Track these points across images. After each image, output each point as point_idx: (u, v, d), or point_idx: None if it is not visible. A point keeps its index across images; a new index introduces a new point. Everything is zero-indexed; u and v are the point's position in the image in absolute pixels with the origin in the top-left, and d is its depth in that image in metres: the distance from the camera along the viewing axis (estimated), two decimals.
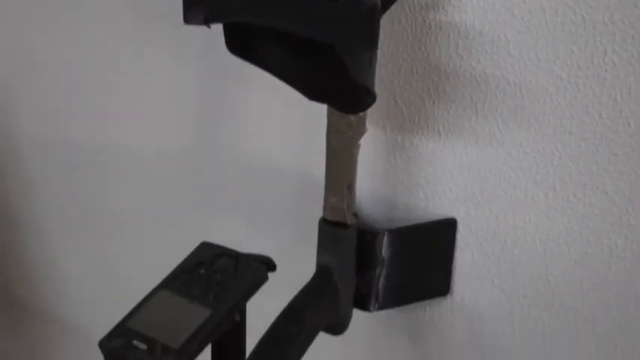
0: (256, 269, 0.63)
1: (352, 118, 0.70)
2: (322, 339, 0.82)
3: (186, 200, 1.04)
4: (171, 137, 1.01)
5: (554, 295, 0.78)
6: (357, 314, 0.83)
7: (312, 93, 0.66)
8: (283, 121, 0.88)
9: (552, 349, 0.79)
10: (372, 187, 0.84)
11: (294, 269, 0.80)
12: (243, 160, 0.94)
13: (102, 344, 0.59)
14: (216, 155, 0.97)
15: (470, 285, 0.83)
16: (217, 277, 0.62)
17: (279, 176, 0.92)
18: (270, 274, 0.86)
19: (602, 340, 0.76)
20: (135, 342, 0.58)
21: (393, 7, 0.72)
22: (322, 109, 0.74)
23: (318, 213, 0.79)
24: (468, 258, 0.82)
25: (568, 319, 0.78)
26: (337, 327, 0.80)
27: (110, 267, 1.20)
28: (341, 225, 0.76)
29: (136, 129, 1.05)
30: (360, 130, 0.72)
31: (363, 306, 0.82)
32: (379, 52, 0.75)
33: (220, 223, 0.99)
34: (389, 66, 0.78)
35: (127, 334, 0.59)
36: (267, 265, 0.64)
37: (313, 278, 0.78)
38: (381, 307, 0.82)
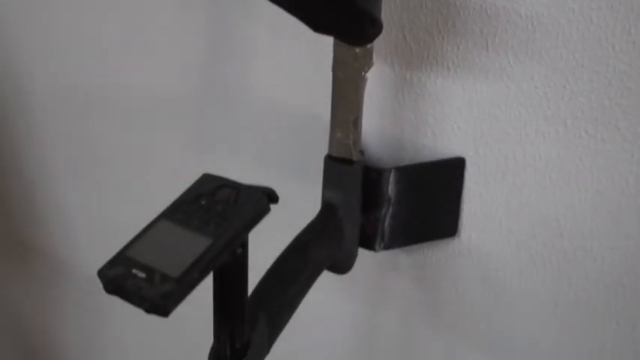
0: (258, 200, 0.62)
1: (358, 49, 0.69)
2: (327, 278, 0.81)
3: (190, 141, 1.02)
4: (174, 77, 0.99)
5: (563, 235, 0.77)
6: (363, 254, 0.83)
7: (317, 24, 0.64)
8: (289, 61, 0.87)
9: (561, 289, 0.78)
10: (379, 127, 0.83)
11: (299, 209, 0.80)
12: (248, 100, 0.93)
13: (101, 273, 0.58)
14: (220, 95, 0.96)
15: (478, 226, 0.81)
16: (218, 207, 0.61)
17: (285, 116, 0.90)
18: (275, 215, 0.85)
19: (611, 280, 0.75)
20: (134, 271, 0.57)
21: None
22: (328, 48, 0.72)
23: (324, 153, 0.77)
24: (476, 198, 0.80)
25: (577, 259, 0.76)
26: (342, 266, 0.79)
27: (116, 208, 1.20)
28: (346, 161, 0.75)
29: (139, 69, 1.03)
30: (366, 62, 0.70)
31: (369, 245, 0.81)
32: None
33: (224, 163, 0.98)
34: (397, 0, 0.76)
35: (126, 263, 0.58)
36: (269, 196, 0.62)
37: (318, 215, 0.77)
38: (387, 247, 0.81)
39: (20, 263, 1.45)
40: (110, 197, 1.20)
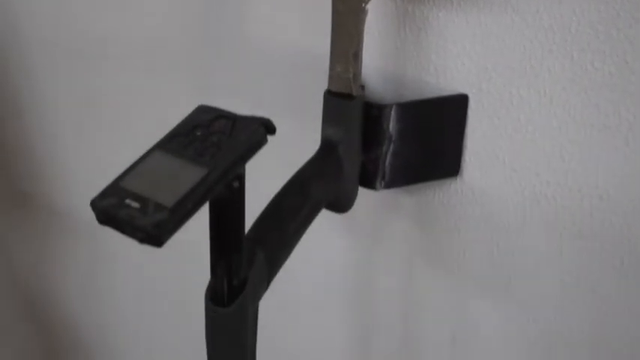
0: (255, 131, 0.60)
1: None
2: (326, 218, 0.80)
3: (189, 85, 1.01)
4: (171, 20, 0.97)
5: (567, 173, 0.75)
6: (364, 194, 0.81)
7: None
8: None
9: (565, 228, 0.77)
10: (380, 63, 0.81)
11: (299, 149, 0.78)
12: (245, 39, 0.91)
13: (93, 203, 0.57)
14: (217, 36, 0.94)
15: (481, 165, 0.80)
16: (214, 138, 0.59)
17: (284, 55, 0.88)
18: (274, 155, 0.84)
19: (617, 219, 0.74)
20: (127, 201, 0.55)
21: None
22: None
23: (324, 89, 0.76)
24: (479, 136, 0.79)
25: (582, 196, 0.75)
26: (342, 204, 0.78)
27: (115, 157, 1.18)
28: (346, 96, 0.73)
29: (136, 14, 1.01)
30: None
31: (370, 184, 0.79)
32: None
33: (222, 104, 0.96)
34: None
35: (119, 193, 0.56)
36: (266, 126, 0.61)
37: (318, 152, 0.75)
38: (388, 186, 0.80)
39: (20, 214, 1.45)
40: (109, 146, 1.19)
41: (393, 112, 0.76)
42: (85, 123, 1.20)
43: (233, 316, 0.65)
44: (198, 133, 0.60)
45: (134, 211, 0.55)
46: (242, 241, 0.65)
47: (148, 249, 1.25)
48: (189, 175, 0.57)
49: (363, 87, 0.75)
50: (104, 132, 1.18)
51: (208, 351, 0.68)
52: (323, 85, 0.75)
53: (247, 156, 0.59)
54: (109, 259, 1.33)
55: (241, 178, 0.61)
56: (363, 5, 0.70)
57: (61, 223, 1.37)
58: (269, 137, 0.61)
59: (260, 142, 0.60)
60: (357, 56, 0.71)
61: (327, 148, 0.75)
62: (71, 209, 1.32)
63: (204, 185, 0.56)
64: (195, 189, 0.56)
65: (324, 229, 0.91)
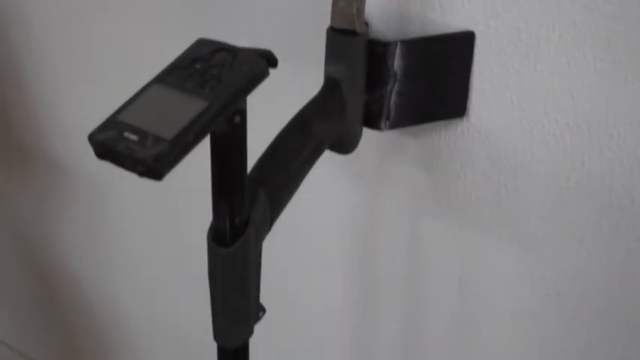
0: (256, 63, 0.58)
1: None
2: (331, 160, 0.79)
3: (187, 23, 0.98)
4: None
5: (577, 111, 0.73)
6: (368, 136, 0.79)
7: None
8: None
9: (573, 168, 0.75)
10: (384, 1, 0.79)
11: (299, 88, 0.76)
12: None
13: (91, 137, 0.55)
14: None
15: (488, 104, 0.78)
16: (214, 71, 0.58)
17: None
18: (274, 98, 0.82)
19: (627, 156, 0.72)
20: (126, 134, 0.54)
21: None
22: None
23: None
24: (486, 75, 0.77)
25: (591, 135, 0.73)
26: (345, 144, 0.77)
27: (113, 106, 1.17)
28: (350, 32, 0.71)
29: None
30: None
31: (374, 124, 0.77)
32: None
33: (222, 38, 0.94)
34: None
35: (117, 126, 0.55)
36: (267, 59, 0.59)
37: (321, 91, 0.74)
38: (393, 126, 0.78)
39: (19, 166, 1.44)
40: (106, 96, 1.17)
41: (398, 50, 0.74)
42: (81, 73, 1.18)
43: (235, 256, 0.64)
44: (198, 66, 0.58)
45: (133, 144, 0.53)
46: (244, 180, 0.64)
47: (148, 197, 1.24)
48: (189, 107, 0.55)
49: (366, 24, 0.73)
50: (100, 83, 1.17)
51: (211, 292, 0.67)
52: (325, 23, 0.73)
53: (248, 89, 0.58)
54: (109, 209, 1.32)
55: (243, 113, 0.60)
56: None
57: (61, 175, 1.36)
58: (270, 70, 0.59)
59: (262, 75, 0.58)
60: None
61: (330, 86, 0.73)
62: (68, 160, 1.31)
63: (204, 117, 0.55)
64: (195, 121, 0.54)
65: (329, 172, 0.90)
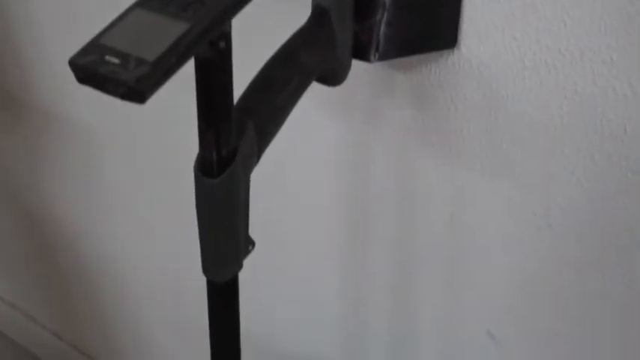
0: None
1: None
2: (320, 96, 0.77)
3: None
4: None
5: (569, 38, 0.72)
6: (358, 71, 0.78)
7: None
8: None
9: (566, 96, 0.74)
10: None
11: (289, 19, 0.75)
12: None
13: (72, 62, 0.54)
14: None
15: (479, 34, 0.77)
16: None
17: None
18: (260, 29, 0.80)
19: (620, 85, 0.71)
20: (107, 57, 0.53)
21: None
22: None
23: None
24: (477, 3, 0.75)
25: (584, 63, 0.72)
26: (334, 75, 0.75)
27: None
28: None
29: None
30: None
31: (363, 55, 0.76)
32: None
33: None
34: None
35: (98, 50, 0.54)
36: None
37: (308, 20, 0.72)
38: (382, 57, 0.76)
39: (12, 118, 1.43)
40: None
41: None
42: (72, 28, 1.17)
43: (222, 187, 0.63)
44: None
45: (115, 66, 0.52)
46: (231, 109, 0.62)
47: (142, 144, 1.23)
48: (172, 30, 0.54)
49: None
50: (92, 30, 1.15)
51: (199, 226, 0.66)
52: None
53: (232, 11, 0.56)
54: (99, 158, 1.31)
55: (228, 37, 0.58)
56: None
57: (52, 125, 1.35)
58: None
59: None
60: None
61: (318, 15, 0.71)
62: (61, 110, 1.30)
63: (187, 39, 0.53)
64: (178, 43, 0.53)
65: (317, 108, 0.89)
